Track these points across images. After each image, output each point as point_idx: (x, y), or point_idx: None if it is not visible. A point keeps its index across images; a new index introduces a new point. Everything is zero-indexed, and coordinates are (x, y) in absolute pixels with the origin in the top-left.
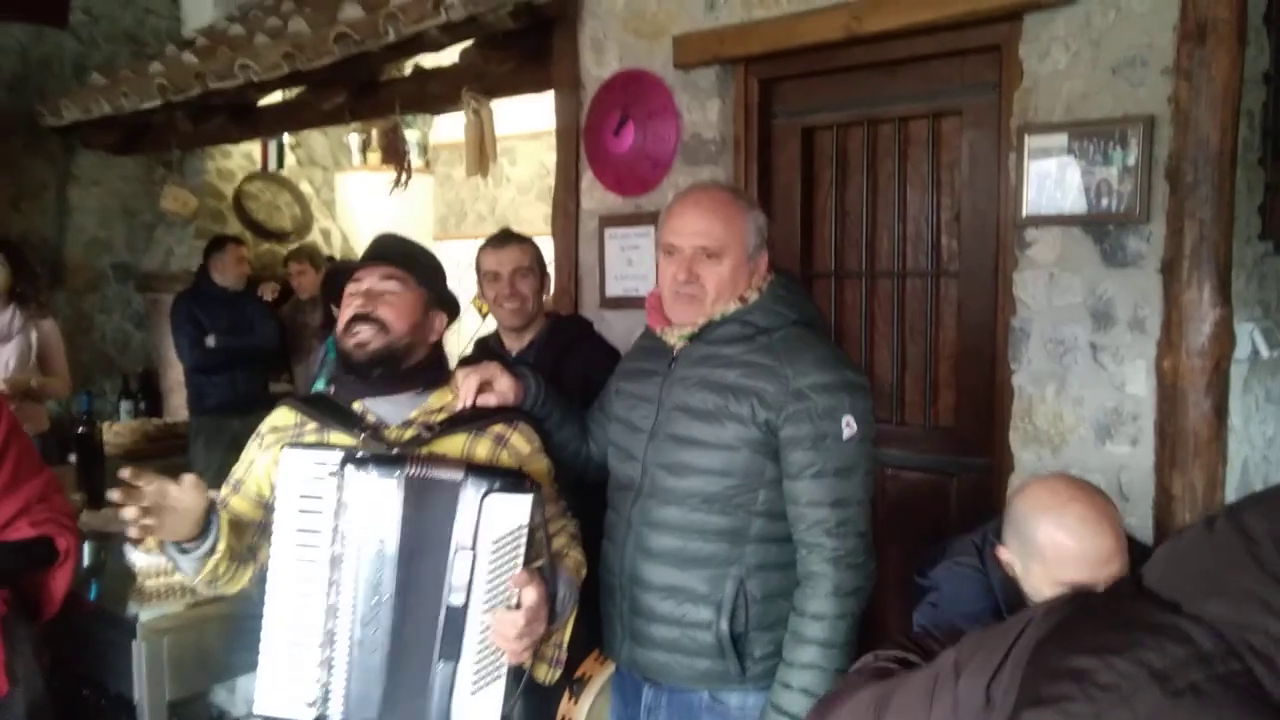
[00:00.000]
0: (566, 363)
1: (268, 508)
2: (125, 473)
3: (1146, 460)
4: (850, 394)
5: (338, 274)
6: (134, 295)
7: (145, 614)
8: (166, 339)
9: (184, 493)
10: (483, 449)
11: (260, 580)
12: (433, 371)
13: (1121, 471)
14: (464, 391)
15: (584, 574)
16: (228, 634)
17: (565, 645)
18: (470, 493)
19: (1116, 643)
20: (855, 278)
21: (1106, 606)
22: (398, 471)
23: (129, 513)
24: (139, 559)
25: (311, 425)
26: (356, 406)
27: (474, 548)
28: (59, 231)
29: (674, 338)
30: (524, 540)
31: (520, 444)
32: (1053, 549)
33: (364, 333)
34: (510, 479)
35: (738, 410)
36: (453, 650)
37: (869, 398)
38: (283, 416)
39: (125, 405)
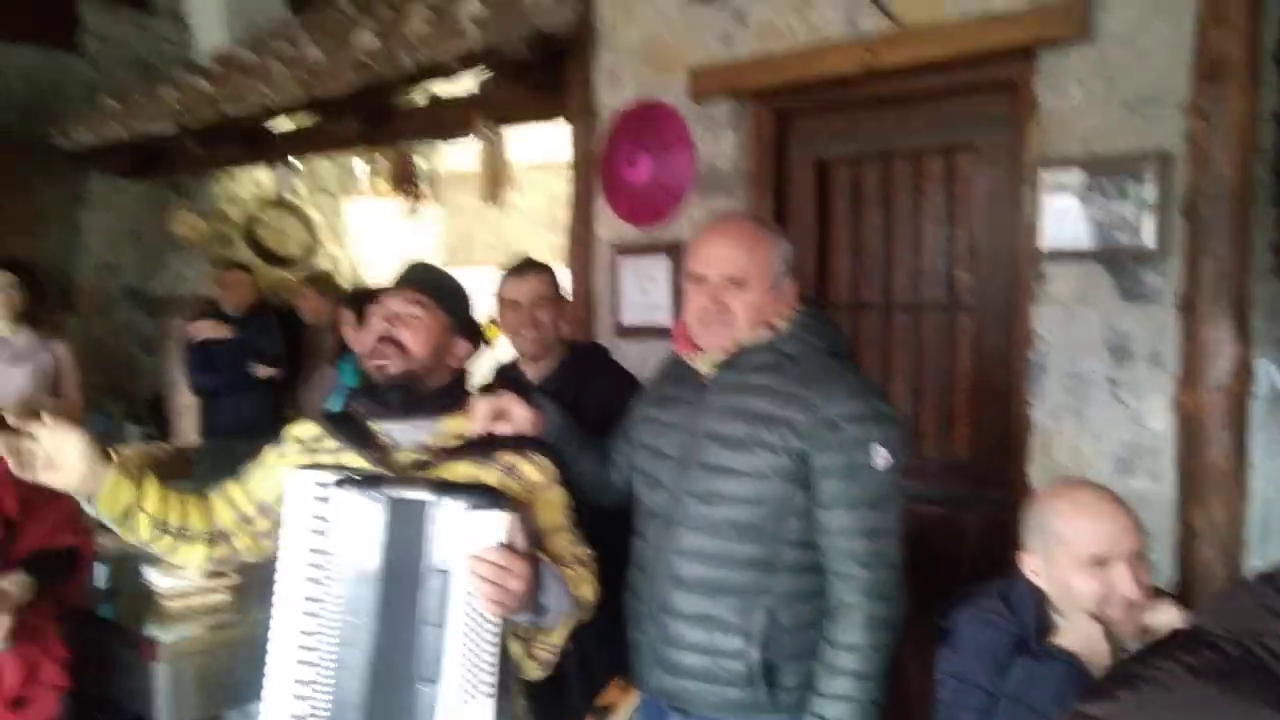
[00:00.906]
0: (586, 391)
1: (262, 509)
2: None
3: (1167, 495)
4: (883, 424)
5: (364, 296)
6: (144, 319)
7: (167, 635)
8: (176, 363)
9: (58, 437)
10: (490, 478)
11: (222, 565)
12: (452, 397)
13: (1142, 507)
14: (478, 418)
15: (588, 592)
16: (245, 657)
17: (558, 648)
18: (444, 512)
19: (1161, 653)
20: (871, 310)
21: (1163, 638)
22: (379, 493)
23: (5, 451)
24: (159, 580)
25: (330, 442)
26: (374, 428)
27: (449, 567)
28: (69, 255)
29: (704, 365)
30: None
31: (531, 474)
32: (1070, 528)
33: (386, 356)
34: (485, 497)
35: (769, 439)
36: (433, 671)
37: (900, 429)
38: (305, 429)
39: (134, 429)
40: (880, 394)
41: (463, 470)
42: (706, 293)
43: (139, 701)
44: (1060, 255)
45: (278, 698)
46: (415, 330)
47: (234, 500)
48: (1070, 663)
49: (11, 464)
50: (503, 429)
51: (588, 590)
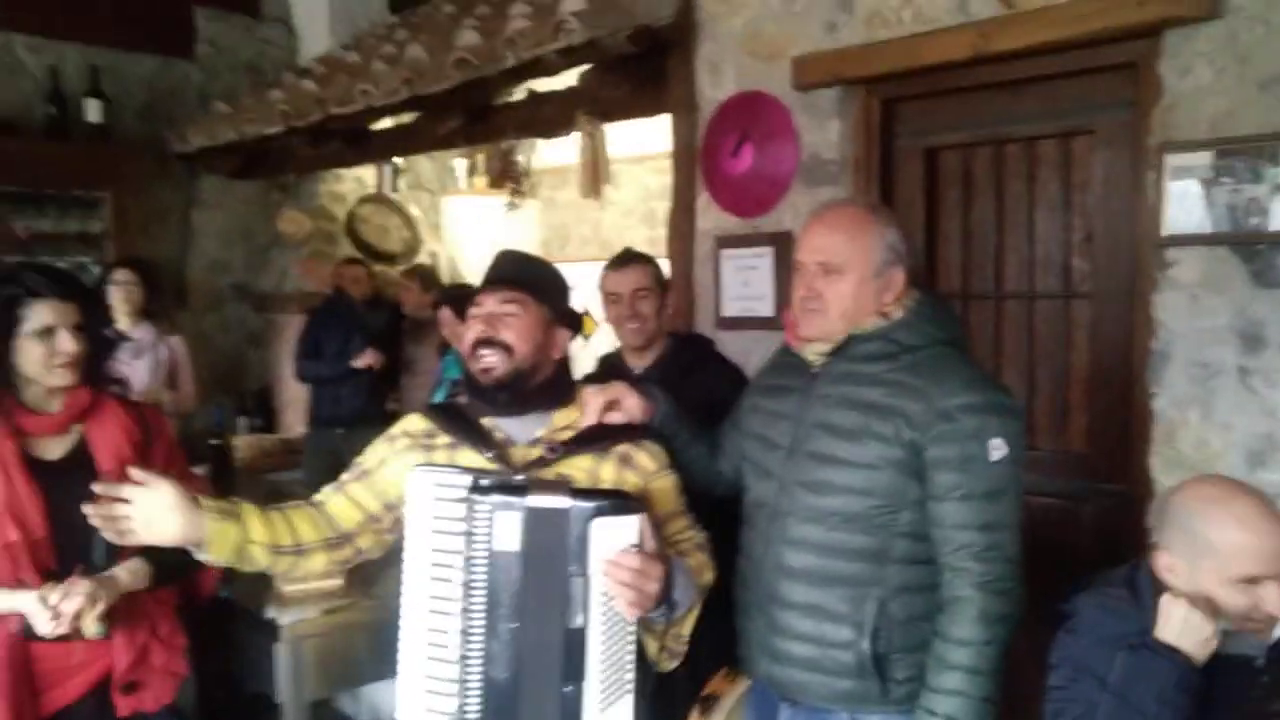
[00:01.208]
0: (690, 382)
1: (388, 506)
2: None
3: None
4: (999, 415)
5: (462, 294)
6: (250, 315)
7: (285, 618)
8: (281, 357)
9: (148, 494)
10: (608, 470)
11: (346, 565)
12: (559, 389)
13: (1277, 501)
14: (590, 410)
15: (709, 578)
16: (358, 641)
17: (685, 637)
18: (577, 518)
19: None
20: (982, 299)
21: None
22: (519, 500)
23: (101, 523)
24: None
25: (442, 438)
26: (485, 422)
27: (586, 571)
28: (182, 253)
29: (813, 354)
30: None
31: (646, 462)
32: (1226, 542)
33: (489, 358)
34: (615, 501)
35: (881, 429)
36: (576, 672)
37: (1019, 420)
38: (415, 422)
39: (242, 421)
40: (998, 385)
41: (580, 464)
42: (804, 280)
43: (258, 681)
44: (1185, 240)
45: (423, 696)
46: (515, 329)
47: (359, 500)
48: (1176, 661)
49: (111, 535)
50: (614, 418)
51: (709, 575)
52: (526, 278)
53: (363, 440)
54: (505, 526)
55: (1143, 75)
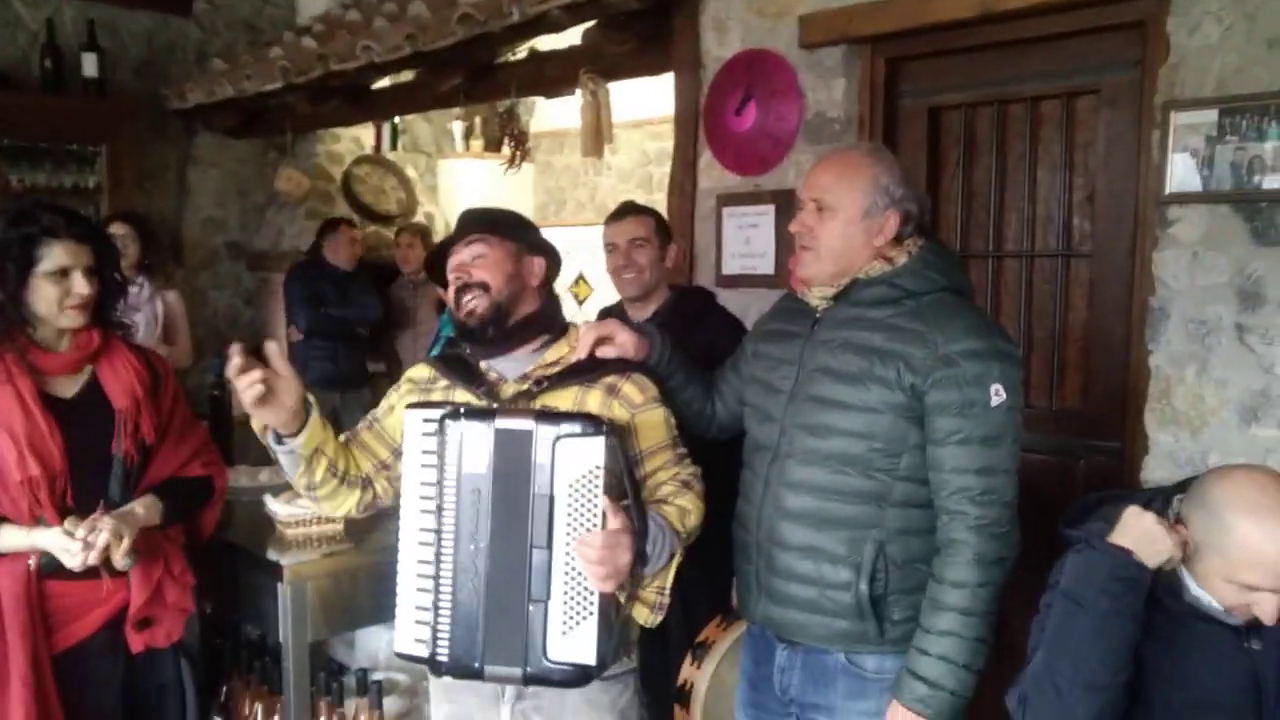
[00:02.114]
0: (692, 334)
1: (396, 452)
2: (236, 349)
3: None
4: (1000, 362)
5: (438, 255)
6: (245, 273)
7: (286, 560)
8: (274, 316)
9: (282, 378)
10: (594, 400)
11: (367, 510)
12: (549, 325)
13: (1268, 456)
14: (583, 343)
15: (694, 522)
16: (356, 586)
17: (668, 590)
18: (543, 440)
19: None
20: (981, 258)
21: None
22: (487, 424)
23: (246, 378)
24: (279, 509)
25: (442, 382)
26: (482, 365)
27: (551, 492)
28: (178, 210)
29: (814, 298)
30: (599, 482)
31: (633, 393)
32: (1242, 550)
33: (470, 301)
34: (581, 423)
35: (882, 373)
36: (541, 592)
37: (1019, 367)
38: (419, 371)
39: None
40: (1000, 331)
41: (566, 396)
42: (800, 218)
43: (258, 623)
44: (1188, 198)
45: (405, 617)
46: (485, 266)
47: (370, 447)
48: (1113, 553)
49: (247, 394)
50: (607, 352)
51: (694, 519)
52: (484, 221)
53: (358, 401)
54: (474, 449)
55: (1151, 33)
